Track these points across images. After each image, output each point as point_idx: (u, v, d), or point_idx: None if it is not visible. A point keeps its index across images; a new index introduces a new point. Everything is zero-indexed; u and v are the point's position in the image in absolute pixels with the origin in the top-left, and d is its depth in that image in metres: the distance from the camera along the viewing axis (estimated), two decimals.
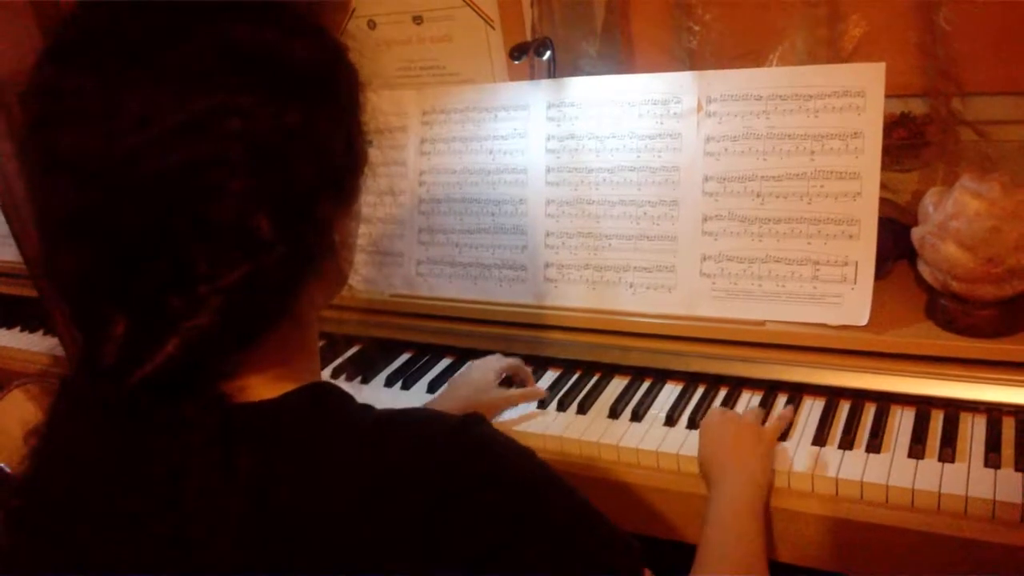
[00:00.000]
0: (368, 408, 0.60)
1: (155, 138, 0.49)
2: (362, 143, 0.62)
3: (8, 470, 1.21)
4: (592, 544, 0.59)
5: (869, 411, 1.00)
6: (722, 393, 1.08)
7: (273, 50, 0.54)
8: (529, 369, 1.16)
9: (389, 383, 1.23)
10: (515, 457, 0.59)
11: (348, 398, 0.60)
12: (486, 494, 0.55)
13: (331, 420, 0.57)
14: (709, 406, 1.06)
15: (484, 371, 1.13)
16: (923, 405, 0.99)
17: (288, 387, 0.58)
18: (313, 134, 0.54)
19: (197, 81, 0.51)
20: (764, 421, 0.98)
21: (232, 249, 0.51)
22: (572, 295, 1.19)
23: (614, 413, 1.07)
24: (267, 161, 0.51)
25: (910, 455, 0.92)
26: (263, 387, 0.57)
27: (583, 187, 1.18)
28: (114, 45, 0.51)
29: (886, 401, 1.00)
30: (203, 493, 0.52)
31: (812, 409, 1.02)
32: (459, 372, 1.16)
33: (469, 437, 0.57)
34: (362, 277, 1.31)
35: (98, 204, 0.51)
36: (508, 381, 1.16)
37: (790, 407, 1.01)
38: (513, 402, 1.11)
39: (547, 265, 1.21)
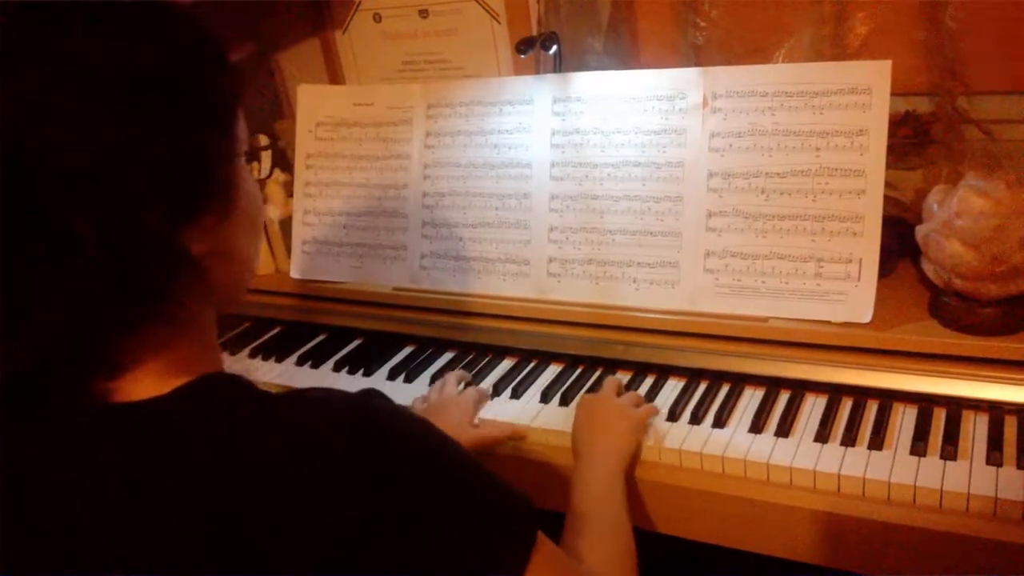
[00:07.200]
0: (266, 393, 0.61)
1: None
2: (219, 156, 0.61)
3: None
4: (489, 501, 0.62)
5: (871, 408, 1.00)
6: (724, 389, 1.08)
7: (106, 61, 0.54)
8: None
9: (392, 376, 1.24)
10: (414, 425, 0.62)
11: (244, 384, 0.61)
12: (390, 459, 0.57)
13: (226, 407, 0.58)
14: (711, 402, 1.06)
15: (464, 408, 1.08)
16: (925, 403, 0.99)
17: (179, 381, 0.58)
18: (140, 145, 0.54)
19: (26, 87, 0.52)
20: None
21: (55, 251, 0.53)
22: (575, 290, 1.19)
23: None
24: (84, 168, 0.52)
25: (912, 452, 0.92)
26: (150, 384, 0.58)
27: (587, 182, 1.18)
28: None
29: (888, 398, 1.01)
30: (72, 490, 0.54)
31: (815, 406, 1.02)
32: (436, 399, 1.11)
33: (370, 409, 0.59)
34: (365, 270, 1.33)
35: None
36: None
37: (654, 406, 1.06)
38: (498, 440, 1.06)
39: (551, 260, 1.21)
